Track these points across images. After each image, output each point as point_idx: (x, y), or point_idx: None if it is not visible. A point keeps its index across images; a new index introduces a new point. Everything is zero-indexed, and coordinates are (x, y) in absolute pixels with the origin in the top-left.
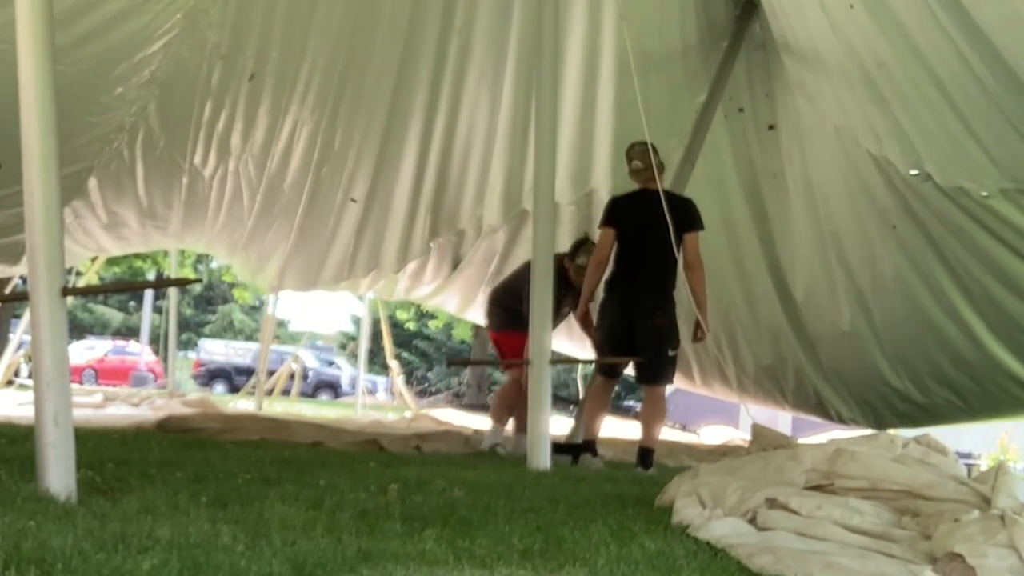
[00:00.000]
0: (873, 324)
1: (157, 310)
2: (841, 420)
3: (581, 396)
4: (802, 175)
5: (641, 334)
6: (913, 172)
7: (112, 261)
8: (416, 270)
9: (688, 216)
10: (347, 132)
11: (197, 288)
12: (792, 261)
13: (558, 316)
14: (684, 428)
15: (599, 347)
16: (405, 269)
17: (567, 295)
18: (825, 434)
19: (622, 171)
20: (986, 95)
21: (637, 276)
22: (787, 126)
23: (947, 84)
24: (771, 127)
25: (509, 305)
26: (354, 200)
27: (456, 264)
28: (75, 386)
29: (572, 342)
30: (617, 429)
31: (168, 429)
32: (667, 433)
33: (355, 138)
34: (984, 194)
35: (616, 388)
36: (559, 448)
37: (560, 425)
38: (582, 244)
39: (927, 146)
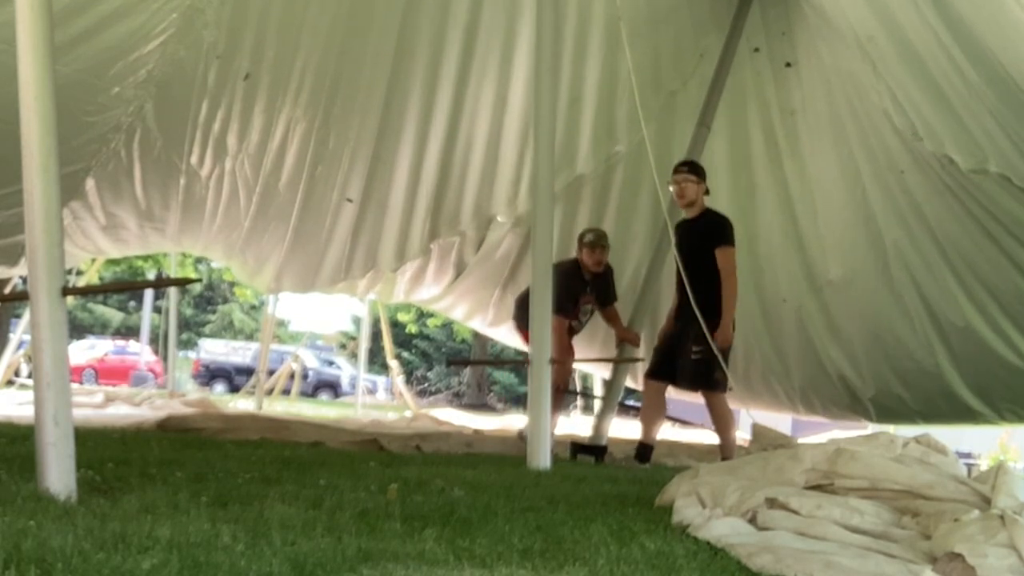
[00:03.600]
0: (888, 269)
1: (157, 310)
2: (844, 384)
3: (579, 390)
4: (827, 111)
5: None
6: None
7: (112, 261)
8: (416, 273)
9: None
10: (342, 131)
11: (197, 288)
12: (811, 198)
13: (582, 314)
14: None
15: (723, 367)
16: (404, 272)
17: (586, 291)
18: (825, 434)
19: (637, 133)
20: (967, 85)
21: None
22: (808, 64)
23: (932, 70)
24: (788, 64)
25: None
26: (350, 200)
27: (460, 269)
28: (75, 386)
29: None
30: (623, 429)
31: (168, 429)
32: (670, 432)
33: (350, 137)
34: (968, 169)
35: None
36: (583, 448)
37: (560, 424)
38: (585, 232)
39: (916, 115)
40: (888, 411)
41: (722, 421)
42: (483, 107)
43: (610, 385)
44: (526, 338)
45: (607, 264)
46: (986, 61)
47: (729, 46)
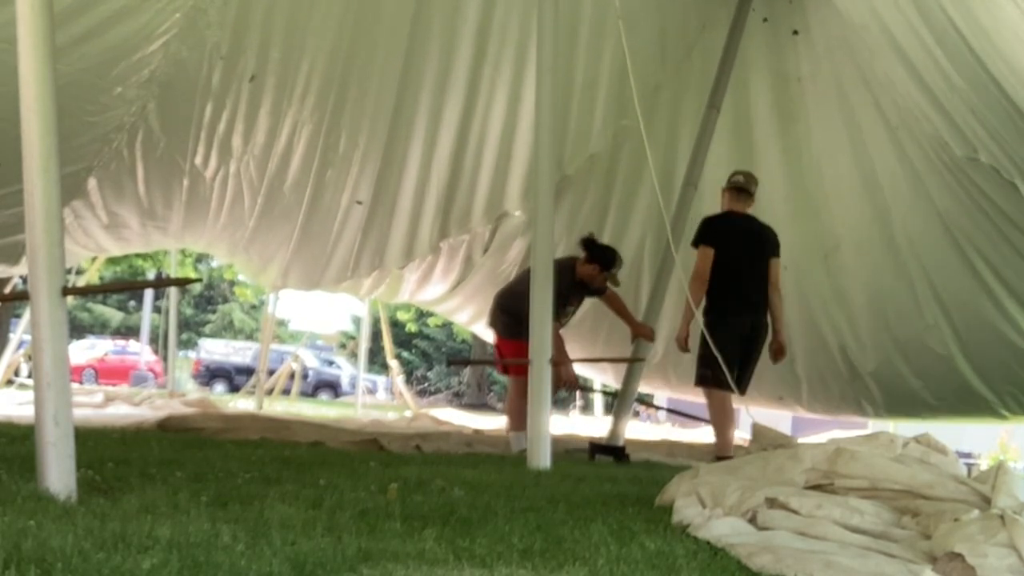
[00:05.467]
0: (893, 240)
1: (157, 310)
2: (844, 356)
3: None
4: (834, 78)
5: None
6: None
7: (112, 260)
8: (423, 275)
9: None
10: (351, 133)
11: (197, 288)
12: (816, 166)
13: (565, 316)
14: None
15: (715, 363)
16: (411, 271)
17: (576, 295)
18: (825, 433)
19: (645, 106)
20: (952, 88)
21: (750, 298)
22: (816, 31)
23: (919, 69)
24: (795, 32)
25: (516, 310)
26: (360, 202)
27: (468, 268)
28: (75, 386)
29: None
30: (637, 430)
31: (168, 429)
32: (671, 431)
33: (359, 139)
34: (962, 155)
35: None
36: (601, 449)
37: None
38: (610, 253)
39: (910, 102)
40: (888, 390)
41: (715, 417)
42: (496, 104)
43: (625, 385)
44: (501, 348)
45: None
46: (969, 65)
47: (738, 20)
